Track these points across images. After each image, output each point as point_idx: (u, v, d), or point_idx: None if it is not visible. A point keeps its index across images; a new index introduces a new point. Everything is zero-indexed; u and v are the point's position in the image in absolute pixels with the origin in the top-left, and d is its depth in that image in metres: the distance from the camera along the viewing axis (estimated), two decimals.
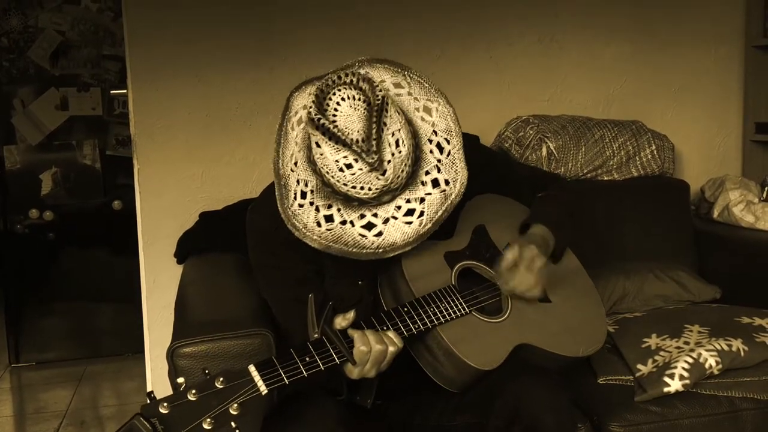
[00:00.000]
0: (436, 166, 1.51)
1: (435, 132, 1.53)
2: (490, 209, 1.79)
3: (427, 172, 1.51)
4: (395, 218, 1.48)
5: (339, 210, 1.48)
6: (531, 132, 2.55)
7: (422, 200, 1.50)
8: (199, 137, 2.59)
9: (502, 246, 1.75)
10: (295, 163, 1.51)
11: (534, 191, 1.88)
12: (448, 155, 1.52)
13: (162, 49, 2.53)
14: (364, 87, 1.43)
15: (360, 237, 1.48)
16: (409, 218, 1.49)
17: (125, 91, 2.68)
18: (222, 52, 2.57)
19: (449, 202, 1.51)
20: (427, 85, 1.57)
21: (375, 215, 1.48)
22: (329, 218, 1.48)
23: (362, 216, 1.48)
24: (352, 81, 1.44)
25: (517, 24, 2.76)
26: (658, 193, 2.61)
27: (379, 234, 1.48)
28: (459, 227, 1.71)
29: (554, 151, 2.53)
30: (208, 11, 2.56)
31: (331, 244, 1.48)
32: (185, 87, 2.56)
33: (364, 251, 1.48)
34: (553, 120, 2.62)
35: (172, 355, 1.62)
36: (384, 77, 1.54)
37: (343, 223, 1.48)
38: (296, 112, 1.54)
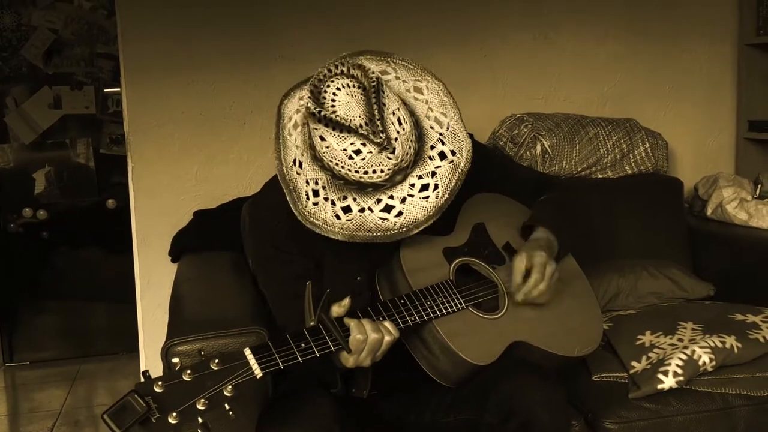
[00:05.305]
0: (440, 139, 1.53)
1: (430, 108, 1.55)
2: (490, 208, 1.80)
3: (432, 147, 1.52)
4: (411, 196, 1.49)
5: (355, 199, 1.48)
6: (525, 130, 2.55)
7: (434, 174, 1.51)
8: (194, 136, 2.58)
9: (500, 244, 1.76)
10: (300, 166, 1.52)
11: (535, 194, 1.89)
12: (447, 128, 1.54)
13: (156, 47, 2.53)
14: (356, 74, 1.45)
15: (381, 221, 1.48)
16: (425, 193, 1.50)
17: (119, 89, 2.68)
18: (216, 51, 2.57)
19: (460, 170, 1.53)
20: (412, 66, 1.59)
21: (391, 197, 1.49)
22: (347, 209, 1.49)
23: (379, 201, 1.49)
24: (343, 71, 1.46)
25: (511, 22, 2.76)
26: (651, 191, 2.61)
27: (400, 214, 1.49)
28: (458, 224, 1.72)
29: (548, 149, 2.53)
30: (201, 10, 2.55)
31: (354, 233, 1.48)
32: (179, 85, 2.55)
33: (389, 233, 1.49)
34: (548, 118, 2.62)
35: (166, 353, 1.62)
36: (369, 67, 1.54)
37: (362, 210, 1.48)
38: (290, 118, 1.56)
